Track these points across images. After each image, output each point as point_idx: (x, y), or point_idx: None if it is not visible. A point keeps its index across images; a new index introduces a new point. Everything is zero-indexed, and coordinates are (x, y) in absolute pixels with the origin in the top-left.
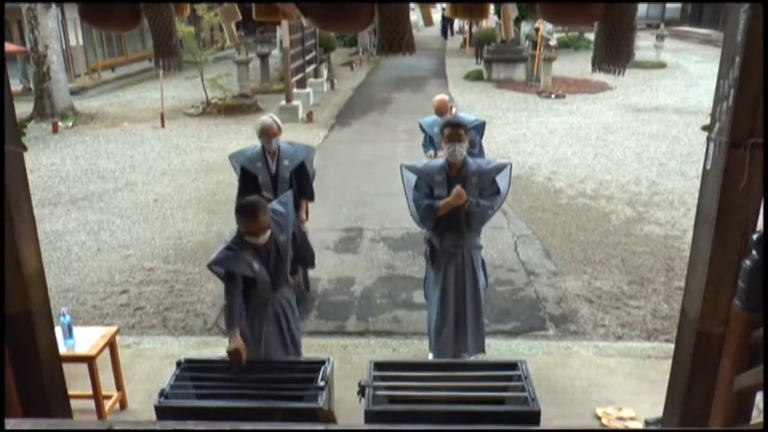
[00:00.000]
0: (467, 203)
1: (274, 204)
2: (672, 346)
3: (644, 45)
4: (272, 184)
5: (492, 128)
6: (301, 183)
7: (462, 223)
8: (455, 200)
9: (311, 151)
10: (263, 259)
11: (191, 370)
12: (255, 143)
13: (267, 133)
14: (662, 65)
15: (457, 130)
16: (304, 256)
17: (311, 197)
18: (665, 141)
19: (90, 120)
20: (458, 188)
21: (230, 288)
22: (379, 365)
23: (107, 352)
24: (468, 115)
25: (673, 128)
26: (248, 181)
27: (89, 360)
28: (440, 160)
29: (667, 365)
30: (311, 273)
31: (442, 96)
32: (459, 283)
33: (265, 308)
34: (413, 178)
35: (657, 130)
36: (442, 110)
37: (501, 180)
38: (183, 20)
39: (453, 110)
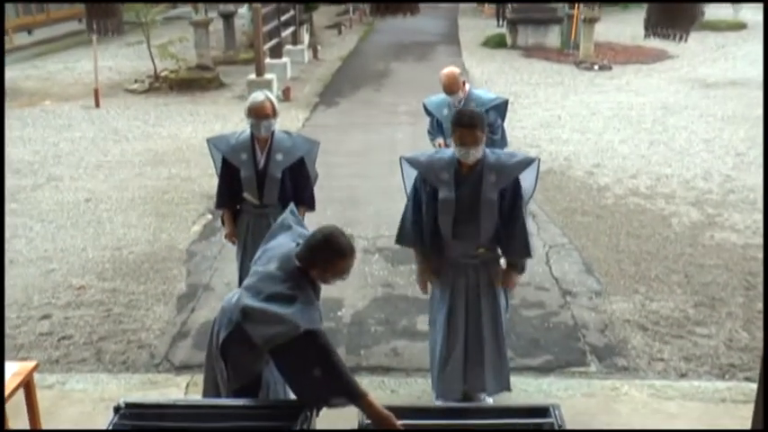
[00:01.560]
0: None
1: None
2: (753, 385)
3: None
4: (257, 182)
5: (517, 108)
6: (298, 186)
7: (479, 224)
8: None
9: (315, 147)
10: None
11: (133, 417)
12: (244, 127)
13: (257, 113)
14: (741, 26)
15: (472, 132)
16: None
17: (311, 205)
18: (745, 125)
19: None
20: None
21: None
22: None
23: (21, 394)
24: (486, 93)
25: (755, 108)
26: (229, 177)
27: None
28: (450, 151)
29: (747, 411)
30: None
31: (451, 69)
32: (471, 303)
33: None
34: (414, 174)
35: (734, 111)
36: (451, 87)
37: (526, 179)
38: None
39: (467, 86)
